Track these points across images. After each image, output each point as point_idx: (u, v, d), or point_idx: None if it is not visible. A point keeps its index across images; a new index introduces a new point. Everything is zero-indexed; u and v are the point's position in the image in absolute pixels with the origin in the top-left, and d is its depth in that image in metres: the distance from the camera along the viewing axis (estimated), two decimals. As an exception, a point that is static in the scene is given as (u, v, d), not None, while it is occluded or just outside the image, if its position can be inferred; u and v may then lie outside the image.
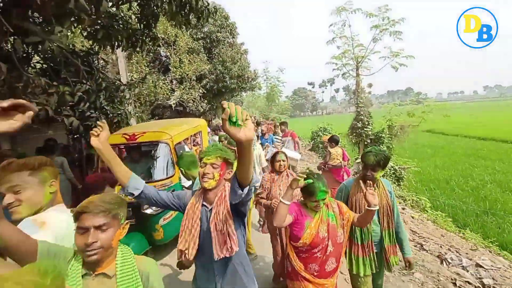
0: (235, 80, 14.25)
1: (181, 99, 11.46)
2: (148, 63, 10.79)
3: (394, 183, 6.65)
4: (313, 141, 13.32)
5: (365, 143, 7.90)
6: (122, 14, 4.47)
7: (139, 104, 10.91)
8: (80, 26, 3.45)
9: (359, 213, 1.83)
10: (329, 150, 3.52)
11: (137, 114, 4.94)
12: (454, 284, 2.67)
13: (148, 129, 3.70)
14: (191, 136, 4.66)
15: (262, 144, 6.04)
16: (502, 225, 6.08)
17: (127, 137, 3.42)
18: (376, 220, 1.90)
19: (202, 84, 13.13)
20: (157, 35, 5.08)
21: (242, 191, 1.14)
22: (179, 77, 11.66)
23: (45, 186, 1.25)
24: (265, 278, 2.77)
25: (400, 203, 5.98)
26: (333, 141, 3.69)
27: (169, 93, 11.17)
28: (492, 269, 3.10)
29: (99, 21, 4.10)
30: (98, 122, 1.15)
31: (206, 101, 12.81)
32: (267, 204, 2.52)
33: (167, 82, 11.33)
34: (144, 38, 4.88)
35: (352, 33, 8.32)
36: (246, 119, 0.84)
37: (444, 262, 3.30)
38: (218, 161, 1.37)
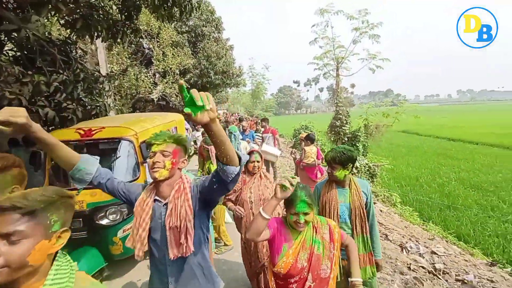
0: (220, 76, 14.24)
1: (163, 93, 11.30)
2: (130, 55, 10.53)
3: (368, 179, 7.06)
4: (294, 138, 13.67)
5: (343, 141, 8.28)
6: (102, 4, 4.39)
7: (119, 97, 10.64)
8: (57, 15, 3.37)
9: (327, 214, 1.76)
10: (303, 148, 3.64)
11: (117, 107, 4.88)
12: (409, 268, 2.97)
13: (108, 123, 3.10)
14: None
15: (242, 139, 6.18)
16: (461, 218, 6.66)
17: (82, 132, 2.79)
18: (348, 222, 1.77)
19: (186, 78, 13.00)
20: (139, 27, 5.03)
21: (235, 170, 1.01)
22: (162, 70, 11.48)
23: (4, 194, 1.04)
24: (243, 270, 2.53)
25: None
26: (309, 139, 3.75)
27: (152, 87, 10.99)
28: (444, 255, 3.47)
29: (78, 10, 4.01)
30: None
31: (189, 95, 12.72)
32: (233, 209, 2.28)
33: (149, 75, 11.13)
34: (125, 29, 4.82)
35: (333, 34, 8.68)
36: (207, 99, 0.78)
37: (404, 250, 3.64)
38: (169, 147, 1.20)
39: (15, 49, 3.95)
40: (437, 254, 3.50)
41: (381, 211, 5.22)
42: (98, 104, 4.34)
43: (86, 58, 8.91)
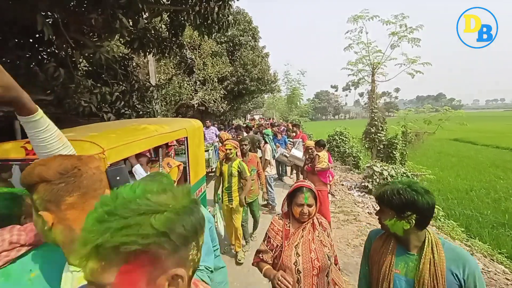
0: (255, 83, 14.76)
1: (203, 99, 12.17)
2: (175, 66, 11.65)
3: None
4: (328, 144, 13.45)
5: (378, 148, 7.96)
6: (154, 25, 5.12)
7: (165, 103, 11.80)
8: (121, 39, 4.07)
9: (375, 282, 1.21)
10: (317, 154, 3.82)
11: (163, 112, 5.56)
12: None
13: (69, 135, 1.82)
14: (166, 147, 3.12)
15: (276, 143, 6.44)
16: (517, 239, 5.93)
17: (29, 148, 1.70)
18: None
19: (223, 85, 13.79)
20: (183, 42, 5.69)
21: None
22: (202, 78, 12.40)
23: None
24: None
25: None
26: (321, 145, 3.95)
27: (192, 94, 11.94)
28: (482, 271, 3.24)
29: (135, 32, 4.77)
30: None
31: (226, 102, 13.45)
32: (272, 277, 1.35)
33: (191, 83, 12.13)
34: (172, 45, 5.51)
35: (368, 40, 8.45)
36: None
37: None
38: (104, 275, 0.46)
39: (87, 65, 4.85)
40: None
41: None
42: (148, 110, 5.03)
43: (139, 70, 10.16)
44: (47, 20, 3.53)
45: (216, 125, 10.82)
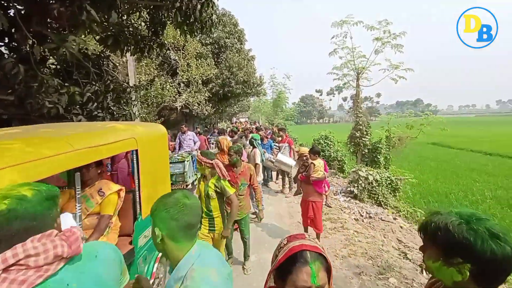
0: (241, 85, 14.59)
1: (187, 101, 11.81)
2: (157, 66, 11.23)
3: (390, 193, 6.73)
4: (314, 148, 13.50)
5: (363, 152, 8.00)
6: (132, 22, 4.80)
7: (146, 105, 11.32)
8: (91, 34, 3.74)
9: None
10: (312, 162, 3.49)
11: (142, 115, 5.22)
12: (427, 290, 2.78)
13: None
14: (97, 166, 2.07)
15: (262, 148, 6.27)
16: (495, 241, 6.11)
17: None
18: None
19: (208, 88, 13.49)
20: (164, 42, 5.39)
21: None
22: (186, 80, 12.05)
23: None
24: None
25: (393, 213, 6.07)
26: (315, 152, 3.57)
27: (176, 96, 11.54)
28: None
29: (110, 28, 4.43)
30: None
31: (211, 104, 13.14)
32: None
33: (174, 85, 11.73)
34: (152, 44, 5.20)
35: (353, 45, 8.54)
36: None
37: (424, 271, 3.41)
38: None
39: (56, 63, 4.44)
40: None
41: (401, 227, 4.95)
42: (124, 113, 4.68)
43: (118, 70, 9.66)
44: (6, 11, 3.16)
45: (198, 129, 10.34)
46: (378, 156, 7.63)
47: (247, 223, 3.18)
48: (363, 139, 7.98)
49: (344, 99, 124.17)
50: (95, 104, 4.37)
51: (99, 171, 2.08)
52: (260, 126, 12.04)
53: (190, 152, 6.21)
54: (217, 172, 2.44)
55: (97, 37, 4.66)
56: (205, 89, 12.91)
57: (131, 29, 4.79)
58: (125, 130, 2.08)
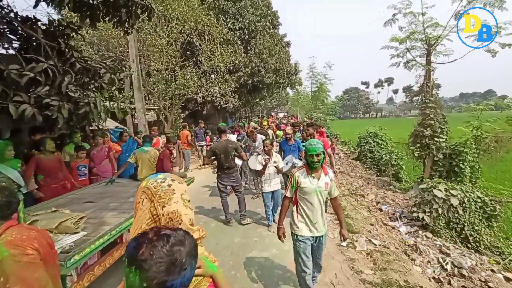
0: (272, 74, 12.78)
1: (209, 93, 10.56)
2: (179, 53, 10.14)
3: (483, 222, 4.38)
4: (359, 148, 11.00)
5: (435, 158, 5.57)
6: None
7: (168, 98, 10.37)
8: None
9: None
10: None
11: (121, 107, 3.95)
12: None
13: None
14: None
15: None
16: None
17: None
18: None
19: (235, 77, 12.05)
20: (151, 5, 3.97)
21: None
22: (210, 69, 10.78)
23: None
24: None
25: (497, 262, 3.78)
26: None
27: (199, 87, 10.34)
28: None
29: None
30: None
31: (237, 96, 11.64)
32: None
33: (198, 74, 10.53)
34: (132, 9, 3.84)
35: (423, 6, 5.90)
36: None
37: None
38: None
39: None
40: None
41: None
42: (86, 100, 3.42)
43: (121, 54, 8.73)
44: None
45: (203, 127, 9.00)
46: (461, 164, 5.16)
47: None
48: (436, 139, 5.52)
49: (395, 91, 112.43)
50: (47, 87, 3.22)
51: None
52: (297, 122, 10.11)
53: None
54: None
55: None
56: (231, 78, 11.48)
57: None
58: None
